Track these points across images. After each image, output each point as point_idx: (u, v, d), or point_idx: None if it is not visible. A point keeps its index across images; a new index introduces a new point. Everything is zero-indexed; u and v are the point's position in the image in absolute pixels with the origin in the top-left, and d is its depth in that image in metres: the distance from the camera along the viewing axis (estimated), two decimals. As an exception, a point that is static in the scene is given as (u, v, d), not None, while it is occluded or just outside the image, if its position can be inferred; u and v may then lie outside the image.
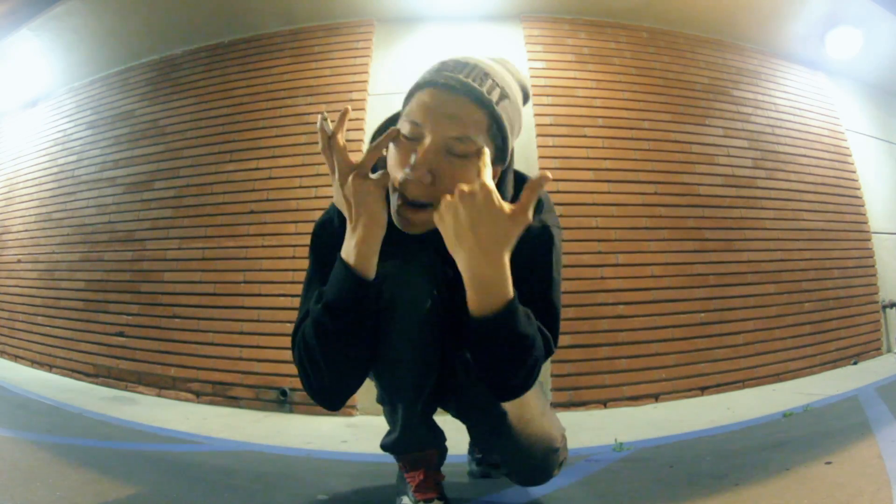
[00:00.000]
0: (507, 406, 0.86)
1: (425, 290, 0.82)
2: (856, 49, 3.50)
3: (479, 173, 0.66)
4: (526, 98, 0.88)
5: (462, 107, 0.72)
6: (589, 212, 2.73)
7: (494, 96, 0.74)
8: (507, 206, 0.66)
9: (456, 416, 1.04)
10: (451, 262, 0.76)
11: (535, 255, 0.82)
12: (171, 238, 2.99)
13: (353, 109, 2.90)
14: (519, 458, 0.90)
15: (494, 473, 1.33)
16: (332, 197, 0.86)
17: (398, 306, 0.81)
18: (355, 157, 0.78)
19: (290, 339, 0.87)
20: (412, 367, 0.87)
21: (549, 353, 0.81)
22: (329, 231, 0.88)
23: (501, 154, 0.80)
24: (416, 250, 0.83)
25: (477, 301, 0.70)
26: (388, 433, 1.04)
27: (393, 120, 0.86)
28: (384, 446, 1.05)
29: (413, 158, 0.73)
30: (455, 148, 0.73)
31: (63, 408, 2.29)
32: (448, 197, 0.67)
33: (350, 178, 0.74)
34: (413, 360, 0.86)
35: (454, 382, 0.93)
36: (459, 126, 0.72)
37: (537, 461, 0.90)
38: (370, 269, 0.75)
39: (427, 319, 0.83)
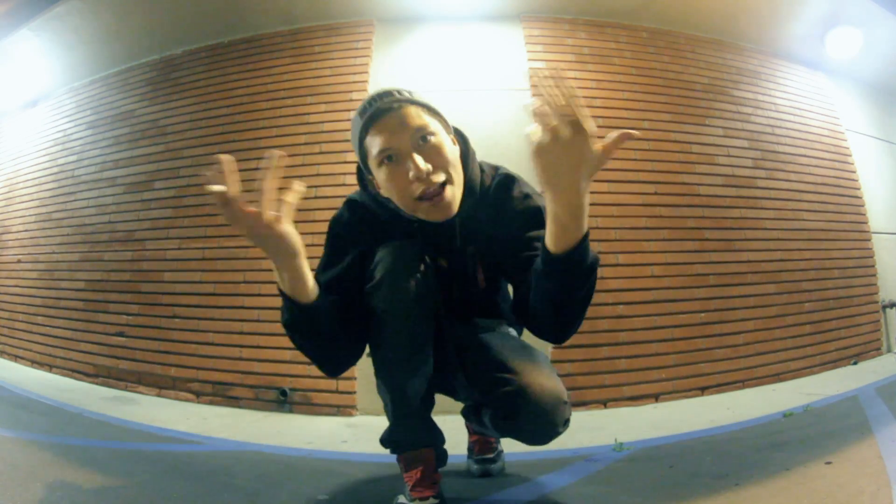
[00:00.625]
0: (518, 359, 0.94)
1: (417, 288, 0.90)
2: (856, 49, 3.50)
3: (573, 119, 0.69)
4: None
5: (400, 114, 0.89)
6: (589, 212, 2.72)
7: (406, 95, 0.92)
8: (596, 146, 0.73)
9: (462, 392, 1.08)
10: (445, 254, 0.97)
11: (526, 217, 0.95)
12: (171, 238, 2.99)
13: (354, 110, 2.90)
14: (529, 409, 0.91)
15: (494, 470, 1.34)
16: (338, 197, 0.98)
17: (391, 307, 0.90)
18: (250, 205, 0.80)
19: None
20: (406, 363, 0.94)
21: None
22: (340, 225, 1.03)
23: (444, 122, 0.96)
24: (409, 247, 0.92)
25: (569, 233, 0.76)
26: (387, 428, 1.06)
27: (362, 172, 1.03)
28: (382, 441, 1.08)
29: (411, 170, 0.86)
30: (423, 134, 0.89)
31: (63, 408, 2.29)
32: (547, 134, 0.69)
33: (246, 231, 0.79)
34: (407, 357, 0.93)
35: (453, 358, 1.01)
36: (412, 124, 0.88)
37: (547, 412, 0.91)
38: (304, 292, 0.87)
39: (420, 318, 0.91)
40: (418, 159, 0.86)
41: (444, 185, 0.89)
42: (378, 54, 3.05)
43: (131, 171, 3.28)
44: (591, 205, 2.92)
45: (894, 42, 3.52)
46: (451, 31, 3.09)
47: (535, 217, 0.93)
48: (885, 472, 1.06)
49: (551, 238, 0.77)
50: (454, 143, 0.97)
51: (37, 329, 3.39)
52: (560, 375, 0.98)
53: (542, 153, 0.69)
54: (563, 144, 0.68)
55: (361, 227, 1.00)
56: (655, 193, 2.85)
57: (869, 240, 3.49)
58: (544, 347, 1.13)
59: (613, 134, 0.73)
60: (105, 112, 3.59)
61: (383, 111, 0.89)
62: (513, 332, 1.15)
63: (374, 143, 0.90)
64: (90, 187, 3.44)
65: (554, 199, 0.75)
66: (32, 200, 3.78)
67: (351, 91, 2.94)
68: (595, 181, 2.71)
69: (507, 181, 1.00)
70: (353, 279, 0.95)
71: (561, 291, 0.81)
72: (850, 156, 3.61)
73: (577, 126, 0.68)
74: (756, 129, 3.26)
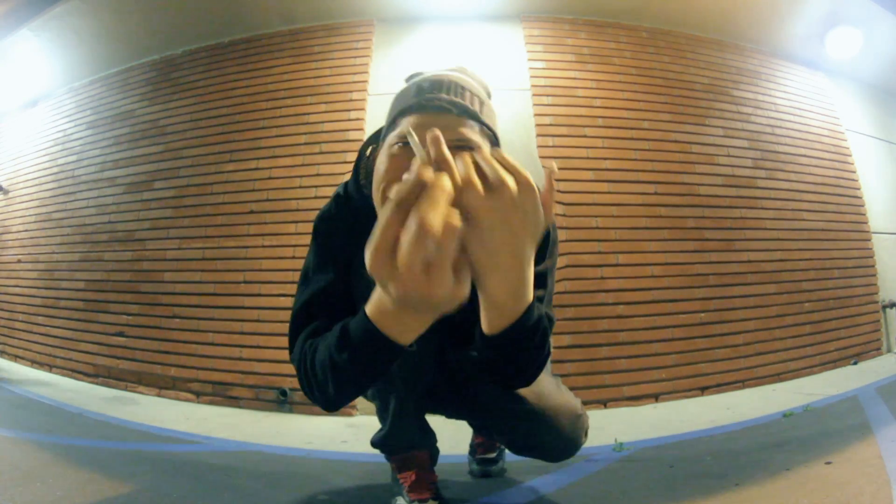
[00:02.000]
0: (523, 390, 0.87)
1: None
2: (856, 49, 3.50)
3: (514, 169, 0.51)
4: (489, 96, 0.91)
5: (453, 122, 0.74)
6: (589, 212, 2.73)
7: (476, 106, 0.78)
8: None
9: (465, 418, 1.05)
10: None
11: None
12: (171, 238, 2.99)
13: (354, 109, 2.91)
14: (548, 433, 0.90)
15: (495, 472, 1.33)
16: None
17: None
18: None
19: (288, 338, 0.86)
20: (404, 365, 0.88)
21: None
22: (329, 223, 0.90)
23: (496, 140, 0.83)
24: None
25: (508, 312, 0.61)
26: (379, 430, 1.05)
27: (376, 136, 0.89)
28: (374, 443, 1.06)
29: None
30: (459, 146, 0.71)
31: (63, 408, 2.28)
32: (483, 198, 0.49)
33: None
34: (405, 359, 0.84)
35: (460, 388, 0.95)
36: (453, 130, 0.73)
37: (566, 431, 0.91)
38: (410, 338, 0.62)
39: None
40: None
41: None
42: (378, 54, 3.05)
43: (131, 171, 3.28)
44: (592, 204, 2.90)
45: (894, 42, 3.52)
46: (451, 31, 3.10)
47: (541, 247, 0.83)
48: (885, 472, 1.06)
49: (487, 323, 0.63)
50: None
51: (37, 329, 3.39)
52: (560, 376, 0.98)
53: (474, 226, 0.49)
54: (505, 207, 0.49)
55: (348, 223, 0.88)
56: (655, 193, 2.85)
57: (869, 240, 3.49)
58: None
59: (547, 181, 0.63)
60: (105, 112, 3.59)
61: (434, 109, 0.77)
62: None
63: (401, 125, 0.77)
64: (90, 187, 3.44)
65: (490, 283, 0.56)
66: (32, 200, 3.78)
67: (351, 91, 2.94)
68: (595, 181, 2.71)
69: None
70: (342, 286, 0.86)
71: (503, 361, 0.71)
72: (850, 156, 3.61)
73: (519, 178, 0.50)
74: (756, 129, 3.26)
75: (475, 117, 0.77)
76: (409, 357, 0.71)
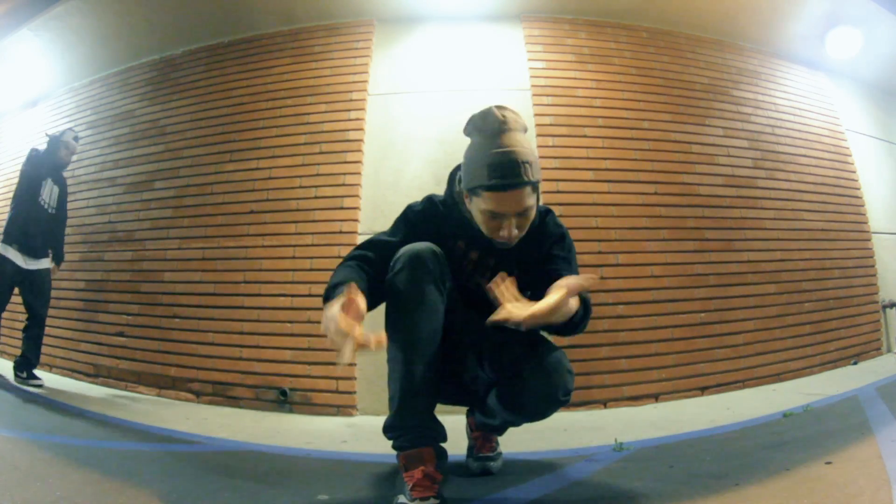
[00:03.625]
0: (528, 337, 1.11)
1: (433, 278, 1.06)
2: (856, 49, 3.50)
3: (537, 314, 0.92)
4: (525, 131, 1.19)
5: (518, 195, 1.06)
6: (589, 212, 2.73)
7: (529, 174, 1.06)
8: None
9: (473, 376, 1.22)
10: (486, 256, 1.19)
11: (555, 241, 1.21)
12: (171, 238, 2.99)
13: (354, 110, 2.91)
14: (533, 371, 1.07)
15: (493, 469, 1.34)
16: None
17: (409, 291, 1.04)
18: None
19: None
20: (418, 345, 1.05)
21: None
22: (413, 212, 1.22)
23: (538, 186, 1.14)
24: (429, 246, 1.09)
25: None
26: (390, 414, 1.07)
27: (455, 171, 1.23)
28: (385, 427, 1.08)
29: (504, 229, 1.09)
30: (526, 211, 1.09)
31: (63, 408, 2.28)
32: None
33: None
34: (420, 339, 1.05)
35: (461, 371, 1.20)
36: (520, 204, 1.07)
37: (550, 374, 1.07)
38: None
39: (434, 305, 1.06)
40: (514, 228, 1.08)
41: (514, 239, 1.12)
42: (378, 54, 3.05)
43: (131, 171, 3.28)
44: (592, 204, 2.91)
45: (894, 42, 3.52)
46: (451, 31, 3.10)
47: (560, 239, 1.21)
48: (885, 472, 1.06)
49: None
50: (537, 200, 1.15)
51: (37, 329, 3.39)
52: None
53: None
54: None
55: (428, 221, 1.20)
56: (655, 193, 2.85)
57: (869, 240, 3.49)
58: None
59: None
60: (105, 112, 3.59)
61: (510, 187, 1.05)
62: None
63: (487, 202, 1.07)
64: (90, 187, 3.44)
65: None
66: (32, 200, 3.77)
67: (351, 91, 2.94)
68: (595, 181, 2.72)
69: (545, 213, 1.24)
70: (389, 251, 1.13)
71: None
72: (850, 156, 3.61)
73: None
74: (756, 129, 3.26)
75: (537, 186, 1.10)
76: (423, 325, 1.05)
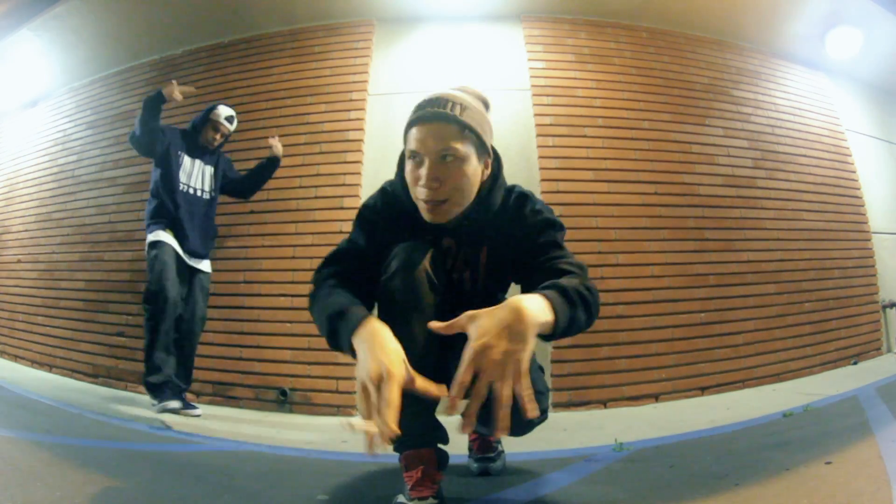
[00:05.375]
0: None
1: (429, 283, 0.99)
2: (856, 49, 3.50)
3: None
4: (486, 106, 1.08)
5: (439, 128, 0.97)
6: (589, 212, 2.73)
7: (457, 111, 0.98)
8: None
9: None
10: (464, 248, 1.08)
11: (540, 230, 1.05)
12: (171, 238, 2.98)
13: (354, 110, 2.91)
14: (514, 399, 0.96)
15: (494, 469, 1.34)
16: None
17: (403, 297, 0.98)
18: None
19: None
20: (414, 349, 0.94)
21: (588, 280, 1.00)
22: (370, 210, 1.11)
23: (482, 146, 1.02)
24: (422, 246, 1.01)
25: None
26: None
27: (402, 157, 1.10)
28: None
29: (423, 175, 0.97)
30: (445, 154, 0.97)
31: (63, 408, 2.28)
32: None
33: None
34: (415, 344, 0.96)
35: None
36: (442, 141, 0.96)
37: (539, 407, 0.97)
38: None
39: (428, 309, 0.99)
40: (431, 172, 0.96)
41: (442, 202, 0.99)
42: (378, 54, 3.05)
43: (131, 171, 3.28)
44: (592, 204, 2.92)
45: (894, 42, 3.52)
46: (451, 31, 3.10)
47: (544, 226, 1.06)
48: (885, 472, 1.06)
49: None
50: (484, 166, 1.04)
51: (37, 329, 3.39)
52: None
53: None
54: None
55: (388, 214, 1.09)
56: (655, 193, 2.85)
57: (869, 240, 3.49)
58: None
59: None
60: (105, 112, 3.59)
61: (427, 119, 0.98)
62: None
63: (410, 141, 1.00)
64: (90, 187, 3.44)
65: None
66: (32, 200, 3.78)
67: (351, 91, 2.94)
68: (595, 181, 2.74)
69: (521, 198, 1.10)
70: (363, 259, 1.07)
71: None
72: (850, 156, 3.61)
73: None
74: (756, 129, 3.26)
75: (454, 119, 0.97)
76: (418, 331, 0.95)
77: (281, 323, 2.61)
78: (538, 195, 1.28)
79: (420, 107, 1.01)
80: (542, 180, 2.74)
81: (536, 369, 1.06)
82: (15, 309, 3.61)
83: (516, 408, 0.87)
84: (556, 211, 1.22)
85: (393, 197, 1.10)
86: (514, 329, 0.76)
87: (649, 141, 2.95)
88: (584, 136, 2.87)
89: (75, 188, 3.52)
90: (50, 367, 3.20)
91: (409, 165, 1.01)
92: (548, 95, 2.92)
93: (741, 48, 3.44)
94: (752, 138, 3.22)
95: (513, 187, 1.13)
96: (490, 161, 1.06)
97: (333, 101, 2.93)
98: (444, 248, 1.09)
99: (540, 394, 0.98)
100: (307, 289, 1.05)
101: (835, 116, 3.66)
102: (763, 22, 3.32)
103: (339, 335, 0.89)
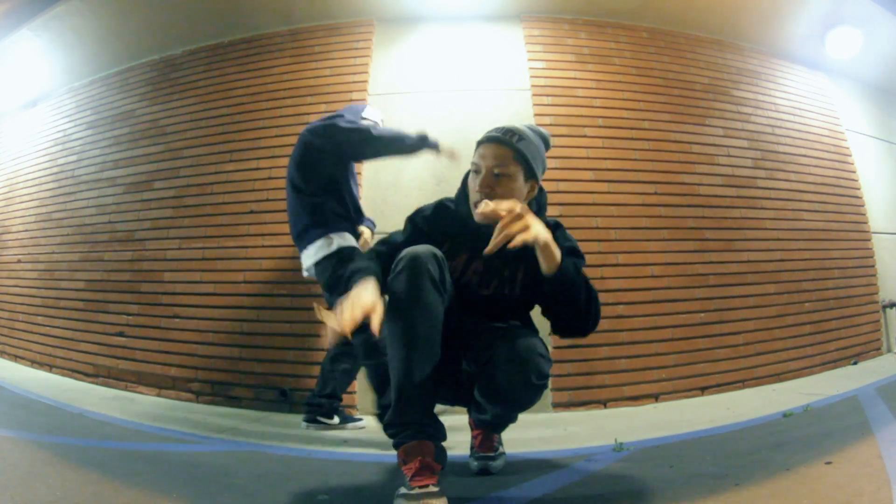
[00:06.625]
0: (510, 330, 1.21)
1: (432, 279, 1.08)
2: (856, 49, 3.50)
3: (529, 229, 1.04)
4: (546, 143, 1.32)
5: (496, 148, 1.22)
6: (589, 212, 2.72)
7: (514, 140, 1.22)
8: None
9: (462, 402, 1.28)
10: (489, 260, 1.22)
11: (566, 253, 1.22)
12: (171, 238, 2.99)
13: (353, 109, 2.90)
14: (506, 357, 1.10)
15: (494, 468, 1.34)
16: None
17: (408, 291, 1.07)
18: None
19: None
20: (416, 343, 1.07)
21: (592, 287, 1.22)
22: (419, 215, 1.34)
23: (531, 172, 1.24)
24: (430, 248, 1.13)
25: (548, 263, 1.10)
26: (390, 411, 1.08)
27: (468, 173, 1.32)
28: (385, 424, 1.09)
29: (478, 183, 1.21)
30: (499, 172, 1.20)
31: (63, 408, 2.28)
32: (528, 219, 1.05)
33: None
34: (418, 337, 1.07)
35: (460, 371, 1.22)
36: (496, 159, 1.21)
37: (522, 359, 1.09)
38: None
39: (432, 304, 1.08)
40: (484, 181, 1.20)
41: None
42: (378, 54, 3.05)
43: (131, 171, 3.28)
44: (592, 204, 2.93)
45: (894, 42, 3.52)
46: (451, 31, 3.09)
47: (569, 251, 1.23)
48: (885, 472, 1.06)
49: (546, 267, 1.12)
50: (529, 190, 1.26)
51: (37, 329, 3.39)
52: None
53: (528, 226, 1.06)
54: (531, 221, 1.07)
55: (435, 222, 1.31)
56: (655, 193, 2.85)
57: (869, 240, 3.49)
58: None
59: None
60: (105, 112, 3.59)
61: (490, 140, 1.23)
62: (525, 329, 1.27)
63: (474, 156, 1.25)
64: (90, 187, 3.44)
65: (539, 246, 1.10)
66: (32, 200, 3.78)
67: (351, 91, 2.94)
68: (595, 181, 2.75)
69: (556, 226, 1.33)
70: (393, 253, 1.19)
71: (557, 300, 1.16)
72: (850, 156, 3.61)
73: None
74: (756, 129, 3.26)
75: (511, 144, 1.21)
76: (421, 324, 1.07)
77: (281, 323, 2.61)
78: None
79: (488, 131, 1.26)
80: (543, 180, 2.74)
81: (538, 336, 1.19)
82: (15, 309, 3.61)
83: (523, 377, 1.07)
84: (557, 211, 1.35)
85: (445, 208, 1.33)
86: (537, 223, 1.05)
87: (649, 141, 2.95)
88: (584, 136, 2.87)
89: (75, 188, 3.52)
90: (50, 367, 3.20)
91: (471, 177, 1.26)
92: (548, 95, 2.92)
93: (741, 48, 3.45)
94: (752, 138, 3.22)
95: (551, 219, 1.35)
96: (536, 187, 1.29)
97: (333, 101, 2.93)
98: (467, 260, 1.27)
99: (542, 357, 1.10)
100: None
101: (835, 116, 3.66)
102: (763, 22, 3.32)
103: (350, 283, 1.10)
